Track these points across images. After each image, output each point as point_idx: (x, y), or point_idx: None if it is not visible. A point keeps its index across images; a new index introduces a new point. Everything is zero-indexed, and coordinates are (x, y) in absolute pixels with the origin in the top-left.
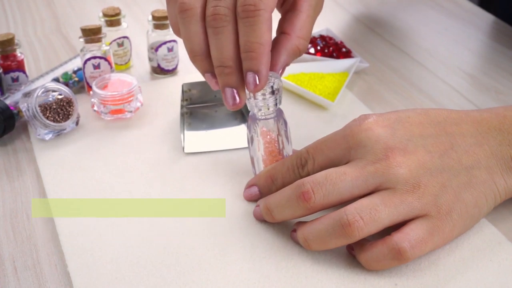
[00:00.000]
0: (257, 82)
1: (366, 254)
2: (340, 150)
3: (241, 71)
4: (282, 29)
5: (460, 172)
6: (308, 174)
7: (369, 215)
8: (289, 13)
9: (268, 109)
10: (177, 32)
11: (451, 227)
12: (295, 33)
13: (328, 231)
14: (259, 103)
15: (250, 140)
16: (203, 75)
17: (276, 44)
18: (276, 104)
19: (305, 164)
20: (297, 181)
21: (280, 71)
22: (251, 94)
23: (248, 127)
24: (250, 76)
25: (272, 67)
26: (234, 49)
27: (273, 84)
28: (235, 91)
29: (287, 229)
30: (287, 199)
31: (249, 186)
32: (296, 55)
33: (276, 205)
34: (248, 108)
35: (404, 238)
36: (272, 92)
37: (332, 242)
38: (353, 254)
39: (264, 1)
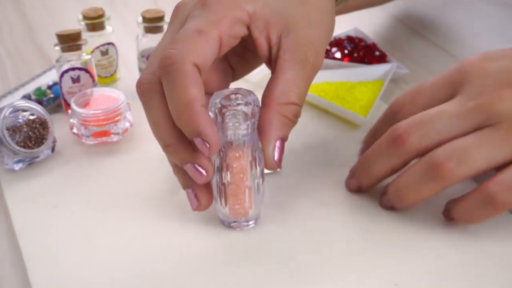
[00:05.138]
0: (207, 145)
1: (459, 207)
2: (444, 89)
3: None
4: (262, 100)
5: None
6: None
7: (461, 154)
8: (270, 78)
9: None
10: None
11: None
12: (277, 101)
13: (419, 175)
14: (228, 130)
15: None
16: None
17: (260, 120)
18: (248, 130)
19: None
20: (391, 127)
21: (277, 150)
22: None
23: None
24: (197, 142)
25: (263, 148)
26: (171, 122)
27: (245, 103)
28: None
29: (288, 256)
30: (380, 147)
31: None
32: (288, 125)
33: (369, 159)
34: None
35: (498, 181)
36: (246, 117)
37: (425, 189)
38: (452, 220)
39: (181, 51)
